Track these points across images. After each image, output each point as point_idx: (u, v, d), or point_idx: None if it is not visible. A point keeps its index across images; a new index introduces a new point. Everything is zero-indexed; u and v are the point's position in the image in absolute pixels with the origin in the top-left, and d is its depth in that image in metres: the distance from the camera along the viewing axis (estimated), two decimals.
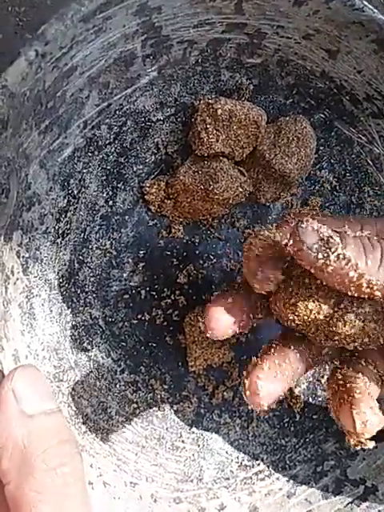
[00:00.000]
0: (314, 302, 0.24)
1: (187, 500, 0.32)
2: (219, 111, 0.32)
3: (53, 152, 0.29)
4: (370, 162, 0.37)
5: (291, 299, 0.24)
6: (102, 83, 0.29)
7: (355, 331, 0.24)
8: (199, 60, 0.33)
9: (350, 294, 0.22)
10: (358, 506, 0.34)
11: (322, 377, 0.39)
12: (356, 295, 0.22)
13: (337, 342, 0.25)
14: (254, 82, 0.35)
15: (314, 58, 0.33)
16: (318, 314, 0.24)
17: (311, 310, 0.24)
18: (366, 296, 0.22)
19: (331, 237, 0.21)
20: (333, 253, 0.21)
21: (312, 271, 0.22)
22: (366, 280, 0.21)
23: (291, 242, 0.22)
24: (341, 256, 0.21)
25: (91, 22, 0.25)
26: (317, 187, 0.37)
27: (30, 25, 0.44)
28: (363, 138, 0.36)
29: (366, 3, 0.30)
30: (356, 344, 0.25)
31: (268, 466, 0.36)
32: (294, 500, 0.34)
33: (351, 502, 0.34)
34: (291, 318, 0.25)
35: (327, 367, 0.39)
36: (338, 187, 0.37)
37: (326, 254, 0.21)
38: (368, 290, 0.22)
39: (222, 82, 0.34)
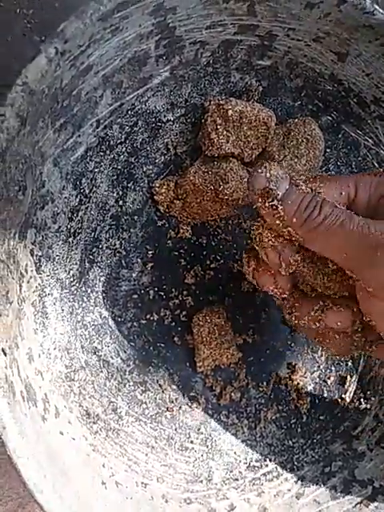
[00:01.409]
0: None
1: (197, 500, 0.32)
2: (230, 112, 0.32)
3: (66, 150, 0.29)
4: (376, 165, 0.37)
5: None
6: (115, 82, 0.29)
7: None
8: (210, 61, 0.33)
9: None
10: (367, 507, 0.34)
11: (329, 378, 0.39)
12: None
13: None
14: (263, 84, 0.35)
15: (323, 60, 0.34)
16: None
17: None
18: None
19: (272, 189, 0.25)
20: (268, 201, 0.25)
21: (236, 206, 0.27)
22: (288, 230, 0.25)
23: (249, 179, 0.26)
24: (273, 206, 0.25)
25: (109, 20, 0.25)
26: None
27: (37, 27, 0.44)
28: (370, 140, 0.37)
29: (376, 7, 0.30)
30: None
31: (276, 467, 0.36)
32: (303, 501, 0.34)
33: (360, 503, 0.34)
34: None
35: (334, 368, 0.39)
36: None
37: (263, 200, 0.26)
38: (285, 235, 0.26)
39: (232, 83, 0.34)
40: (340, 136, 0.37)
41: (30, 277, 0.28)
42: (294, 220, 0.25)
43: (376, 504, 0.34)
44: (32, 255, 0.28)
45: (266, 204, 0.25)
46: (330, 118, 0.36)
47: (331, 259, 0.26)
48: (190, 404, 0.35)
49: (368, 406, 0.37)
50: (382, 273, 0.24)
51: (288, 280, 0.28)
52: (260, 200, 0.26)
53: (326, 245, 0.25)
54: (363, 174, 0.28)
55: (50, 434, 0.26)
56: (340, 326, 0.27)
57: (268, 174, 0.26)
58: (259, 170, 0.26)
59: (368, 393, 0.38)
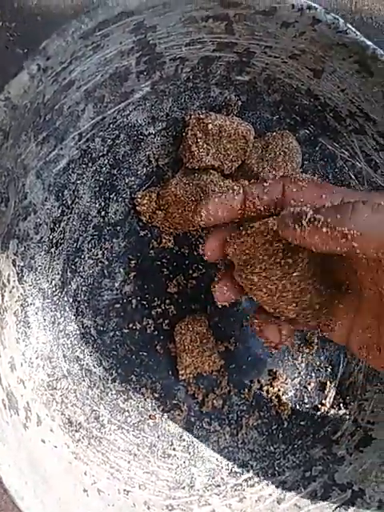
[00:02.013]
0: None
1: (179, 507, 0.32)
2: (209, 126, 0.33)
3: (49, 163, 0.29)
4: (352, 176, 0.38)
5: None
6: (97, 97, 0.30)
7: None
8: (190, 77, 0.34)
9: (336, 250, 0.24)
10: (347, 510, 0.34)
11: (309, 384, 0.40)
12: (341, 253, 0.25)
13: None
14: (242, 99, 0.36)
15: (300, 76, 0.35)
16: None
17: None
18: (346, 249, 0.24)
19: (302, 210, 0.25)
20: (304, 218, 0.24)
21: (300, 244, 0.25)
22: (340, 231, 0.24)
23: (276, 225, 0.26)
24: (311, 219, 0.24)
25: (90, 38, 0.26)
26: None
27: (20, 40, 0.44)
28: (346, 152, 0.38)
29: (349, 26, 0.31)
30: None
31: (257, 473, 0.36)
32: (284, 505, 0.35)
33: (340, 506, 0.35)
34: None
35: (314, 375, 0.40)
36: None
37: (299, 223, 0.25)
38: (345, 241, 0.24)
39: (212, 98, 0.35)
40: (317, 149, 0.38)
41: (13, 287, 0.28)
42: (338, 216, 0.24)
43: (355, 507, 0.34)
44: (14, 265, 0.28)
45: (304, 222, 0.24)
46: (307, 131, 0.37)
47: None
48: (172, 412, 0.36)
49: (347, 412, 0.38)
50: None
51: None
52: (297, 226, 0.25)
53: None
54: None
55: (31, 441, 0.27)
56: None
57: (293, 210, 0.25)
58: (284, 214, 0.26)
59: (347, 398, 0.39)
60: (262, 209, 0.28)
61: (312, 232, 0.24)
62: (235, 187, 0.28)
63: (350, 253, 0.24)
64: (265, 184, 0.28)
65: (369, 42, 0.32)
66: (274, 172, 0.36)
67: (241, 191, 0.28)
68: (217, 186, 0.35)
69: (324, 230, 0.24)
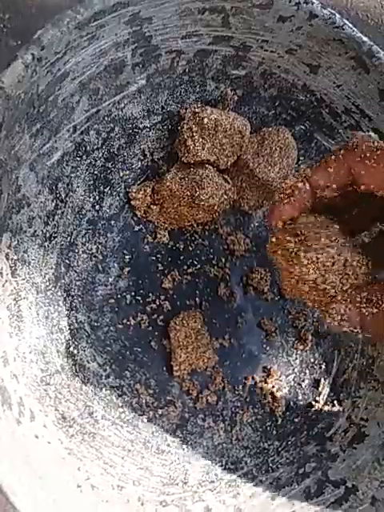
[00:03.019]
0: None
1: (173, 503, 0.32)
2: (205, 120, 0.33)
3: (43, 155, 0.29)
4: None
5: None
6: (92, 89, 0.30)
7: None
8: (186, 70, 0.34)
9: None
10: (340, 506, 0.34)
11: (303, 381, 0.40)
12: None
13: None
14: (238, 93, 0.36)
15: (296, 71, 0.35)
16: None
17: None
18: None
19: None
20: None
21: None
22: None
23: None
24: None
25: (85, 29, 0.26)
26: None
27: (14, 31, 0.44)
28: None
29: (345, 21, 0.31)
30: None
31: (251, 469, 0.36)
32: (278, 501, 0.35)
33: (333, 503, 0.35)
34: None
35: (308, 372, 0.40)
36: None
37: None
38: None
39: (208, 91, 0.35)
40: (313, 144, 0.38)
41: (5, 281, 0.28)
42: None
43: (349, 503, 0.35)
44: (7, 259, 0.28)
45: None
46: (303, 127, 0.37)
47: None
48: (166, 408, 0.36)
49: (341, 409, 0.38)
50: None
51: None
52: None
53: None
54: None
55: (25, 437, 0.26)
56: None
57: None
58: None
59: (341, 395, 0.39)
60: (336, 194, 0.26)
61: None
62: (299, 185, 0.25)
63: None
64: (329, 169, 0.25)
65: (365, 39, 0.32)
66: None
67: (306, 186, 0.25)
68: (212, 181, 0.34)
69: None
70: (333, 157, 0.25)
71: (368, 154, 0.24)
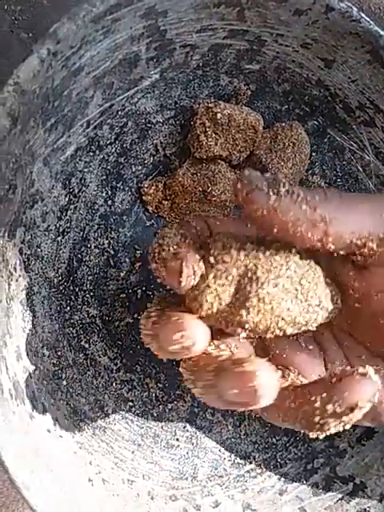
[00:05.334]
0: (211, 293, 0.22)
1: (183, 497, 0.32)
2: (219, 115, 0.33)
3: (56, 150, 0.29)
4: (360, 169, 0.38)
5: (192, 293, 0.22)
6: (106, 84, 0.29)
7: (263, 317, 0.22)
8: (200, 64, 0.33)
9: (304, 243, 0.21)
10: (348, 503, 0.34)
11: None
12: (310, 244, 0.21)
13: (251, 333, 0.22)
14: (251, 88, 0.35)
15: (311, 66, 0.34)
16: (219, 304, 0.22)
17: (211, 303, 0.22)
18: (318, 243, 0.21)
19: (276, 177, 0.21)
20: (283, 187, 0.20)
21: (264, 219, 0.20)
22: (320, 215, 0.20)
23: (239, 186, 0.20)
24: (290, 190, 0.20)
25: (101, 22, 0.25)
26: None
27: (25, 24, 0.44)
28: (354, 145, 0.38)
29: (363, 15, 0.31)
30: (270, 332, 0.22)
31: (260, 464, 0.36)
32: (286, 497, 0.35)
33: (341, 499, 0.35)
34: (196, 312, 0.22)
35: None
36: None
37: (275, 189, 0.20)
38: (322, 225, 0.20)
39: (221, 86, 0.35)
40: (326, 140, 0.38)
41: (19, 275, 0.28)
42: (318, 210, 0.21)
43: (357, 500, 0.35)
44: (21, 254, 0.28)
45: (282, 191, 0.21)
46: (316, 122, 0.37)
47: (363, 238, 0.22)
48: (176, 402, 0.36)
49: None
50: None
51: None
52: (273, 192, 0.20)
53: (361, 218, 0.21)
54: None
55: (37, 431, 0.26)
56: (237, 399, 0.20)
57: (257, 173, 0.21)
58: (246, 172, 0.21)
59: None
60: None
61: (289, 205, 0.20)
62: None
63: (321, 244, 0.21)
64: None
65: (382, 32, 0.32)
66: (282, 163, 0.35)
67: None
68: (224, 176, 0.34)
69: (303, 206, 0.20)
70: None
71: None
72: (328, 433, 0.21)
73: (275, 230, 0.21)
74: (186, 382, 0.23)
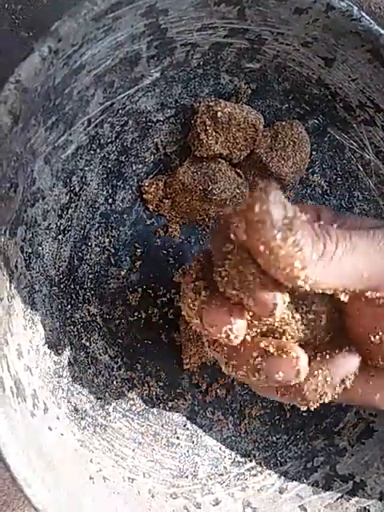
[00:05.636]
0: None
1: (183, 495, 0.32)
2: (219, 114, 0.33)
3: (57, 148, 0.29)
4: (360, 168, 0.38)
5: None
6: (107, 82, 0.30)
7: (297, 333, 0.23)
8: (201, 63, 0.33)
9: (280, 281, 0.20)
10: (348, 501, 0.35)
11: None
12: (285, 284, 0.21)
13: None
14: (251, 87, 0.36)
15: (311, 65, 0.34)
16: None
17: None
18: (291, 286, 0.20)
19: (296, 217, 0.19)
20: (292, 235, 0.19)
21: (258, 250, 0.19)
22: (304, 274, 0.20)
23: (257, 209, 0.19)
24: (296, 242, 0.19)
25: (102, 21, 0.25)
26: (308, 191, 0.38)
27: (25, 22, 0.44)
28: (355, 144, 0.38)
29: (363, 14, 0.31)
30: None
31: (260, 463, 0.36)
32: (286, 495, 0.35)
33: (341, 497, 0.35)
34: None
35: None
36: (328, 191, 0.38)
37: (285, 235, 0.19)
38: (302, 282, 0.20)
39: (222, 85, 0.35)
40: (326, 139, 0.38)
41: (20, 274, 0.28)
42: (314, 256, 0.20)
43: (356, 498, 0.35)
44: (22, 252, 0.28)
45: (289, 241, 0.19)
46: (316, 121, 0.37)
47: (343, 289, 0.21)
48: (176, 400, 0.36)
49: None
50: None
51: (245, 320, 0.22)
52: (281, 236, 0.19)
53: (346, 273, 0.21)
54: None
55: (38, 429, 0.27)
56: (282, 377, 0.22)
57: (283, 199, 0.19)
58: (274, 194, 0.19)
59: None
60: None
61: (286, 255, 0.19)
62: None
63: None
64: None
65: (382, 31, 0.32)
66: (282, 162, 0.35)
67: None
68: (225, 175, 0.34)
69: (296, 264, 0.19)
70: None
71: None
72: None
73: (261, 261, 0.20)
74: (224, 368, 0.24)
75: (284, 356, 0.22)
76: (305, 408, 0.24)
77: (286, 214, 0.19)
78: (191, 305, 0.23)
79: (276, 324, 0.23)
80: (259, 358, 0.22)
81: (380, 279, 0.21)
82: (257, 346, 0.23)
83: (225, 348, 0.24)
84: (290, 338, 0.23)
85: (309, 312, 0.23)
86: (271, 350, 0.22)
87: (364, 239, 0.21)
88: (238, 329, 0.22)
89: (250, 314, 0.22)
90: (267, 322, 0.23)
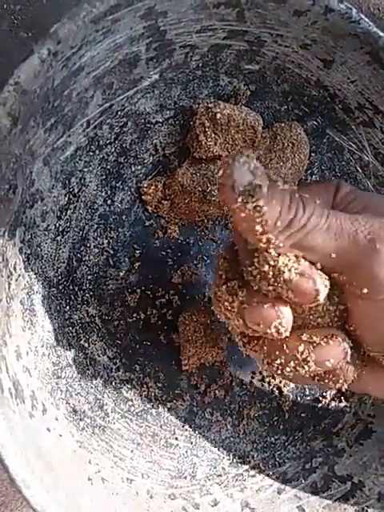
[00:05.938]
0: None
1: (182, 496, 0.32)
2: (218, 115, 0.33)
3: (56, 150, 0.29)
4: (359, 169, 0.38)
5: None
6: (106, 84, 0.30)
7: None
8: (200, 65, 0.33)
9: (244, 237, 0.21)
10: (346, 502, 0.35)
11: None
12: (250, 242, 0.22)
13: None
14: (251, 88, 0.36)
15: (310, 66, 0.34)
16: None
17: None
18: (258, 248, 0.21)
19: (260, 186, 0.20)
20: (253, 202, 0.20)
21: (224, 207, 0.22)
22: (267, 238, 0.21)
23: (221, 173, 0.20)
24: (258, 208, 0.20)
25: (101, 23, 0.25)
26: None
27: (24, 23, 0.44)
28: (353, 145, 0.38)
29: (362, 16, 0.31)
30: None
31: (258, 463, 0.36)
32: (284, 496, 0.35)
33: (339, 498, 0.35)
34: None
35: None
36: None
37: (245, 199, 0.20)
38: (263, 245, 0.21)
39: (221, 86, 0.35)
40: (325, 141, 0.38)
41: (19, 275, 0.28)
42: (278, 223, 0.21)
43: (355, 499, 0.35)
44: (21, 253, 0.28)
45: (249, 205, 0.20)
46: (315, 122, 0.37)
47: (317, 263, 0.22)
48: (175, 401, 0.36)
49: (348, 404, 0.38)
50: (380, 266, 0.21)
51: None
52: (242, 200, 0.20)
53: (312, 247, 0.21)
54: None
55: (37, 430, 0.27)
56: (333, 363, 0.23)
57: (251, 167, 0.20)
58: (240, 160, 0.20)
59: (348, 391, 0.39)
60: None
61: (247, 217, 0.20)
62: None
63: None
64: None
65: (381, 33, 0.32)
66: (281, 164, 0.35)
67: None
68: None
69: (257, 227, 0.20)
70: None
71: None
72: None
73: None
74: (266, 367, 0.24)
75: (331, 342, 0.23)
76: (345, 387, 0.24)
77: (252, 179, 0.20)
78: (229, 307, 0.23)
79: (311, 317, 0.23)
80: (306, 351, 0.23)
81: (345, 264, 0.22)
82: (299, 339, 0.23)
83: (264, 347, 0.24)
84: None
85: (340, 303, 0.23)
86: (316, 339, 0.23)
87: (341, 221, 0.22)
88: (287, 321, 0.22)
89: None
90: (302, 316, 0.23)
